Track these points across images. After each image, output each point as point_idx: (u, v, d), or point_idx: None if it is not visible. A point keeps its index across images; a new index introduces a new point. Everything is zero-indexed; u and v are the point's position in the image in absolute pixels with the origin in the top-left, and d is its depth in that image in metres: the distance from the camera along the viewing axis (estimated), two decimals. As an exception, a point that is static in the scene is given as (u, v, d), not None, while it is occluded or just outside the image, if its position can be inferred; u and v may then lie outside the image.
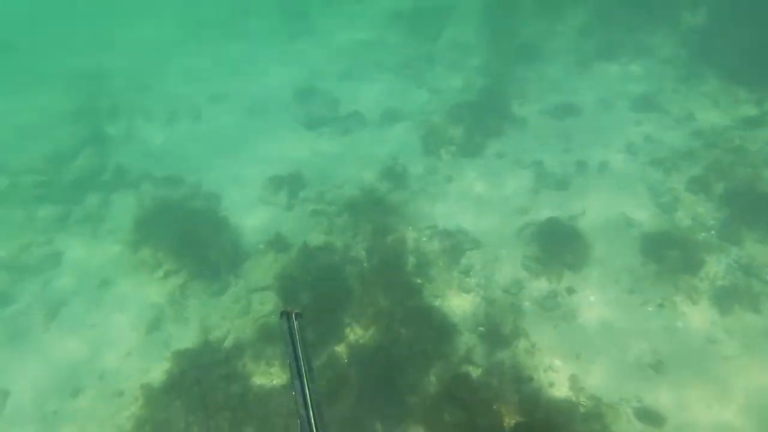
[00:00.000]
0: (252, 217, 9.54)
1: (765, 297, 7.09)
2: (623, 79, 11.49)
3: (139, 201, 10.13)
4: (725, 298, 7.09)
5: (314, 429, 2.10)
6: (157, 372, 7.27)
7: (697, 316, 7.01)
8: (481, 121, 10.49)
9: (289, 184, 9.90)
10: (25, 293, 8.89)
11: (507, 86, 11.54)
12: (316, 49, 15.09)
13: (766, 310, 6.97)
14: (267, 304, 7.84)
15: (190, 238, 8.70)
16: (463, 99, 11.36)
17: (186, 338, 7.70)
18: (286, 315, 2.51)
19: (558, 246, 7.96)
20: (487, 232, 8.49)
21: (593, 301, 7.37)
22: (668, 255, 7.56)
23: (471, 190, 9.35)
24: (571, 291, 7.52)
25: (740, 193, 8.18)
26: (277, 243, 8.68)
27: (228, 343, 7.47)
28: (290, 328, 2.42)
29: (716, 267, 7.48)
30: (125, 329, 8.04)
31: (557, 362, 6.76)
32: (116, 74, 15.11)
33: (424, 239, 8.49)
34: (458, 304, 7.55)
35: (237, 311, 7.90)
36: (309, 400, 2.19)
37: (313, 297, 7.24)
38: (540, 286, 7.66)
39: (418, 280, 7.81)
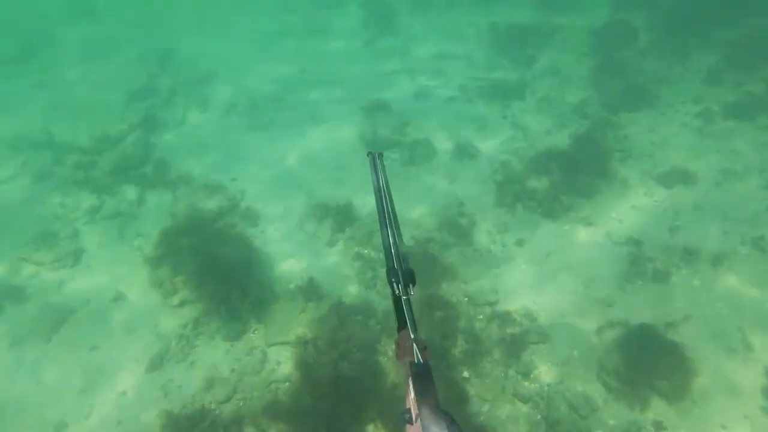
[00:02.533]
0: (288, 246, 8.57)
1: None
2: (758, 145, 9.52)
3: (173, 207, 9.40)
4: None
5: (396, 248, 2.17)
6: (147, 422, 6.45)
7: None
8: (571, 175, 8.95)
9: (336, 216, 8.84)
10: (39, 293, 8.35)
11: (608, 135, 9.88)
12: (394, 58, 13.93)
13: None
14: (283, 366, 6.81)
15: (215, 265, 7.80)
16: (553, 143, 9.84)
17: (184, 388, 6.80)
18: (372, 156, 2.71)
19: (648, 362, 6.39)
20: (558, 324, 7.03)
21: (687, 450, 5.80)
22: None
23: (546, 263, 7.88)
24: (659, 428, 5.97)
25: None
26: (310, 290, 7.63)
27: (228, 408, 6.49)
28: (376, 166, 2.63)
29: None
30: (127, 360, 7.26)
31: None
32: (185, 57, 14.62)
33: (480, 318, 7.16)
34: (510, 414, 6.19)
35: (249, 366, 6.92)
36: (392, 223, 2.28)
37: (333, 380, 6.11)
38: (618, 412, 6.15)
39: (465, 373, 6.52)
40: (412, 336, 1.89)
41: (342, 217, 8.80)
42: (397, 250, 2.20)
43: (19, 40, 16.85)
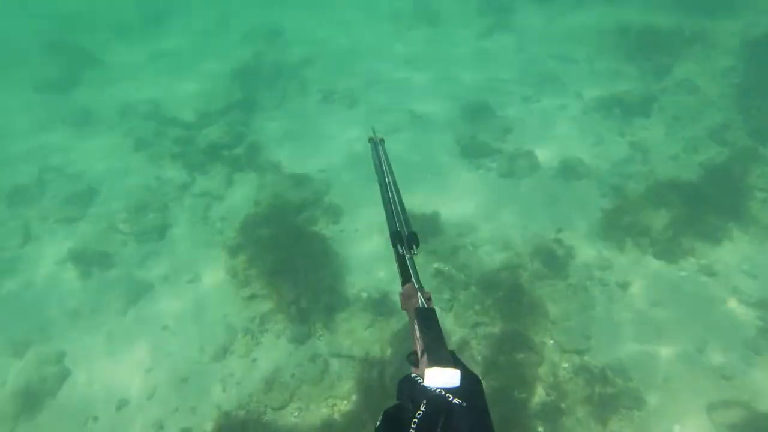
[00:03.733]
0: (366, 251, 8.24)
1: None
2: None
3: (258, 193, 9.40)
4: None
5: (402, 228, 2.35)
6: (202, 415, 6.47)
7: None
8: (696, 212, 7.78)
9: (421, 225, 8.35)
10: (124, 263, 8.72)
11: (751, 170, 8.47)
12: (505, 55, 13.06)
13: None
14: (344, 382, 6.52)
15: (289, 262, 7.66)
16: (678, 171, 8.64)
17: (243, 386, 6.74)
18: (373, 141, 3.01)
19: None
20: (660, 390, 6.10)
21: None
22: None
23: (651, 312, 6.90)
24: None
25: None
26: (382, 303, 7.27)
27: (283, 416, 6.32)
28: (377, 153, 2.90)
29: None
30: (193, 346, 7.35)
31: None
32: (291, 38, 14.69)
33: (566, 367, 6.40)
34: (587, 488, 5.46)
35: (310, 374, 6.71)
36: (395, 202, 2.55)
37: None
38: None
39: (540, 429, 5.84)
40: (417, 286, 2.04)
41: (426, 226, 8.30)
42: (399, 215, 2.46)
43: (140, 10, 17.87)
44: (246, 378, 6.88)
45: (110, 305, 8.03)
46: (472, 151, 9.75)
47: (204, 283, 8.17)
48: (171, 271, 8.45)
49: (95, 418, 6.77)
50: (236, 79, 12.82)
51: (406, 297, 2.06)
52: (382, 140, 3.07)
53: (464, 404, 1.60)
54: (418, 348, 1.80)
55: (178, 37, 16.16)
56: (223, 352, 7.21)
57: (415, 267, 2.17)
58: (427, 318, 1.85)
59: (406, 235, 2.32)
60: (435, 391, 1.63)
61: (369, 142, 3.06)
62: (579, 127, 10.19)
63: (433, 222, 8.41)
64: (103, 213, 9.64)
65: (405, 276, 2.15)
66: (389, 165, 2.83)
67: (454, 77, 12.32)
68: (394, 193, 2.64)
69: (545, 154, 9.50)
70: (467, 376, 1.70)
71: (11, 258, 9.13)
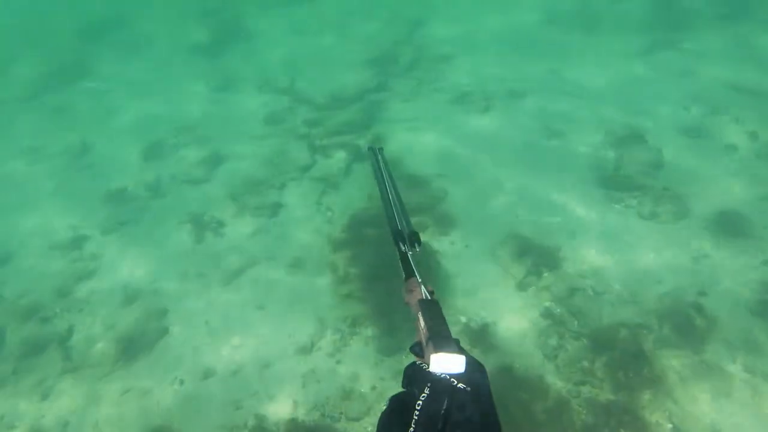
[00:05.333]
0: (470, 271, 7.80)
1: None
2: None
3: (373, 188, 9.26)
4: None
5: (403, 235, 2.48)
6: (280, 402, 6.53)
7: None
8: None
9: (538, 256, 7.73)
10: (235, 234, 9.09)
11: None
12: (666, 78, 11.64)
13: None
14: (424, 410, 6.19)
15: (392, 269, 7.42)
16: None
17: (322, 386, 6.69)
18: (372, 150, 3.30)
19: None
20: None
21: None
22: None
23: (810, 422, 5.74)
24: None
25: None
26: (479, 334, 6.83)
27: (356, 429, 6.17)
28: (376, 161, 3.11)
29: None
30: (283, 333, 7.45)
31: None
32: (433, 31, 14.36)
33: (684, 459, 5.54)
34: None
35: (391, 390, 6.47)
36: (395, 207, 2.67)
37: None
38: None
39: None
40: (419, 280, 2.12)
41: (544, 259, 7.67)
42: (401, 215, 2.60)
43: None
44: (327, 378, 6.82)
45: (215, 273, 8.41)
46: (612, 183, 8.82)
47: (305, 270, 8.25)
48: (276, 251, 8.64)
49: (182, 381, 7.12)
50: (372, 65, 12.82)
51: (409, 290, 2.12)
52: (380, 149, 3.31)
53: (468, 389, 1.62)
54: (423, 338, 1.83)
55: (322, 17, 16.49)
56: (310, 346, 7.22)
57: (417, 264, 2.29)
58: (431, 308, 1.89)
59: (407, 234, 2.46)
60: (440, 376, 1.65)
61: (368, 150, 3.22)
62: (748, 174, 8.80)
63: (551, 254, 7.75)
64: (226, 181, 10.12)
65: (408, 272, 2.24)
66: (389, 170, 3.01)
67: (603, 95, 11.24)
68: (394, 195, 2.78)
69: (699, 200, 8.32)
70: (472, 362, 1.74)
71: (140, 208, 9.92)
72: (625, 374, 6.16)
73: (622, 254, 7.73)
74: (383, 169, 3.04)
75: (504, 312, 7.21)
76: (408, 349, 1.96)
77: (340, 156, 10.35)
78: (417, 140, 10.44)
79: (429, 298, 2.04)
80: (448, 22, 14.59)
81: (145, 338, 7.56)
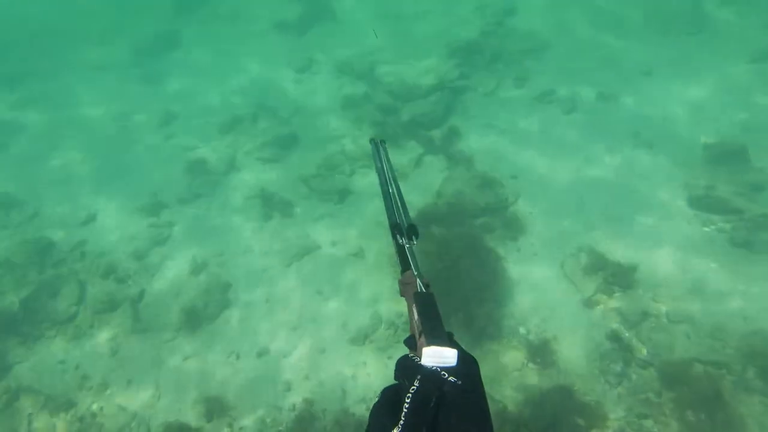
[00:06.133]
0: (539, 280, 7.52)
1: None
2: None
3: (442, 185, 9.11)
4: None
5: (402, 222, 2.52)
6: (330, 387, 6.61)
7: None
8: None
9: (611, 274, 7.31)
10: (303, 216, 9.21)
11: None
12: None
13: None
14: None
15: (453, 273, 7.29)
16: None
17: (372, 379, 6.71)
18: (374, 142, 3.19)
19: None
20: None
21: None
22: None
23: None
24: None
25: None
26: (540, 349, 6.57)
27: (401, 431, 6.13)
28: (378, 154, 3.08)
29: None
30: (338, 321, 7.51)
31: None
32: (523, 20, 13.73)
33: None
34: None
35: (439, 395, 6.38)
36: (395, 197, 2.72)
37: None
38: None
39: None
40: (416, 273, 2.14)
41: (618, 278, 7.23)
42: (399, 208, 2.64)
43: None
44: (377, 373, 6.83)
45: (277, 253, 8.59)
46: (703, 204, 8.14)
47: (366, 260, 8.27)
48: (339, 239, 8.70)
49: (238, 356, 7.37)
50: (455, 55, 12.45)
51: (405, 283, 2.12)
52: (383, 141, 3.24)
53: (459, 382, 1.62)
54: (416, 331, 1.83)
55: (410, 0, 16.20)
56: (363, 338, 7.24)
57: (414, 257, 2.26)
58: (425, 301, 1.89)
59: (405, 227, 2.48)
60: (431, 368, 1.65)
61: (370, 142, 3.20)
62: None
63: (626, 273, 7.29)
64: (298, 163, 10.26)
65: (404, 265, 2.23)
66: (390, 164, 3.02)
67: (707, 104, 10.33)
68: (394, 188, 2.79)
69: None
70: (464, 357, 1.72)
71: (214, 182, 10.26)
72: (695, 415, 5.72)
73: (705, 283, 7.14)
74: (385, 162, 3.01)
75: (567, 328, 6.89)
76: (402, 342, 1.96)
77: (412, 147, 10.21)
78: (493, 138, 10.11)
79: (424, 290, 2.03)
80: (543, 10, 13.85)
81: (208, 310, 7.87)
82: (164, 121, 12.30)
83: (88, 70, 14.96)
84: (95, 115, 13.07)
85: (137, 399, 7.07)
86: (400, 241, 2.45)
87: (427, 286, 2.08)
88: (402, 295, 2.16)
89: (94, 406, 7.02)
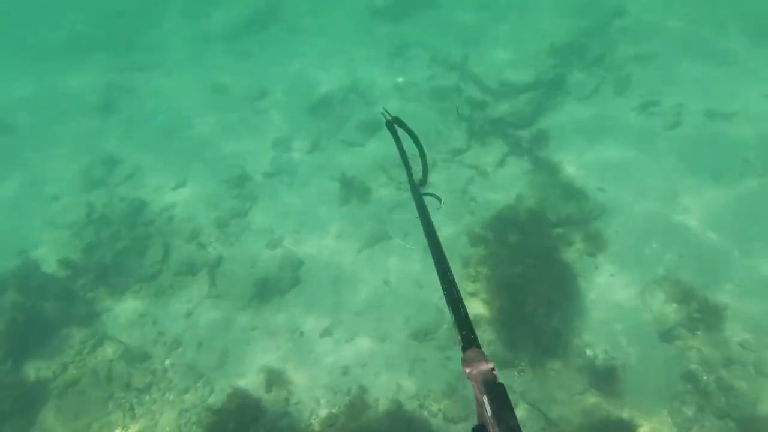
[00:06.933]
0: (613, 302, 7.18)
1: None
2: None
3: (524, 188, 8.85)
4: None
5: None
6: (385, 385, 6.71)
7: None
8: None
9: (696, 309, 6.84)
10: (378, 204, 9.28)
11: None
12: None
13: None
14: (525, 438, 5.95)
15: (525, 283, 7.10)
16: None
17: (429, 377, 6.71)
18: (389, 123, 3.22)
19: None
20: None
21: None
22: None
23: None
24: None
25: None
26: (604, 376, 6.29)
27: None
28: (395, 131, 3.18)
29: None
30: (401, 313, 7.56)
31: None
32: (632, 23, 12.83)
33: None
34: None
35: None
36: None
37: None
38: None
39: None
40: (482, 351, 1.98)
41: (704, 315, 6.76)
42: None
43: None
44: (434, 372, 6.84)
45: (352, 238, 8.74)
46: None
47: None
48: (411, 230, 8.69)
49: (301, 333, 7.63)
50: (553, 54, 11.93)
51: (469, 363, 1.98)
52: (397, 118, 3.26)
53: None
54: (489, 427, 1.74)
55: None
56: (424, 335, 7.25)
57: (473, 326, 2.06)
58: (498, 393, 1.81)
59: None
60: None
61: (386, 125, 3.21)
62: None
63: (714, 311, 6.80)
64: (378, 150, 10.32)
65: (466, 341, 2.06)
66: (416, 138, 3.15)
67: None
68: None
69: None
70: None
71: (298, 161, 10.53)
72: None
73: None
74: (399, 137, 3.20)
75: (639, 359, 6.56)
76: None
77: (497, 145, 9.97)
78: (583, 146, 9.65)
79: (494, 378, 1.92)
80: (651, 17, 12.92)
81: (280, 285, 8.16)
82: (258, 95, 12.72)
83: (191, 42, 15.76)
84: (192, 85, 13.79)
85: (205, 361, 7.50)
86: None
87: (492, 370, 1.97)
88: (467, 376, 2.02)
89: (167, 362, 7.54)
